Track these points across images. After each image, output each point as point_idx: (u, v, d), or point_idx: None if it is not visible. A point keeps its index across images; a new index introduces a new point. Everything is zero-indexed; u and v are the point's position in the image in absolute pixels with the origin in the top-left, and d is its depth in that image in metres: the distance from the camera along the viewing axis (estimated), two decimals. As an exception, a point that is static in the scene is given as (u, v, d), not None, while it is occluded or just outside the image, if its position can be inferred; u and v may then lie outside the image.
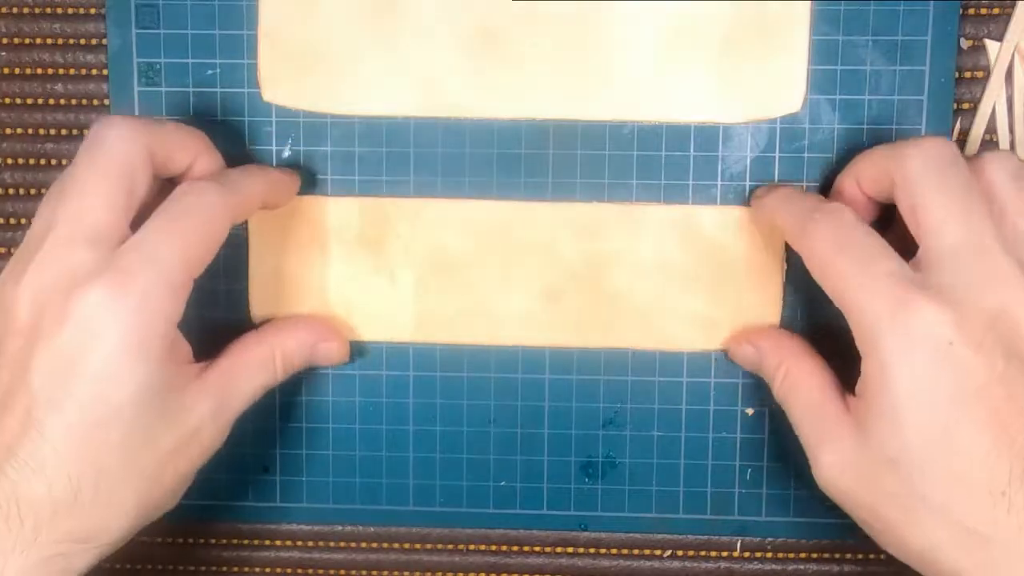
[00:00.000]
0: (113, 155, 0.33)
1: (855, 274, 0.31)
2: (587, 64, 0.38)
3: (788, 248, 0.38)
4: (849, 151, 0.37)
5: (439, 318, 0.39)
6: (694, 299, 0.39)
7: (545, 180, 0.39)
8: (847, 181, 0.36)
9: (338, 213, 0.39)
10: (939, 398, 0.30)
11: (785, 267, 0.38)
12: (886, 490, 0.31)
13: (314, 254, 0.39)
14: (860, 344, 0.31)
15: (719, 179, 0.38)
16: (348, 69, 0.38)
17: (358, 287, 0.39)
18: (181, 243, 0.32)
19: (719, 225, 0.38)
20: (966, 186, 0.31)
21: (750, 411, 0.39)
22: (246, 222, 0.39)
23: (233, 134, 0.39)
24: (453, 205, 0.39)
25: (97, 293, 0.31)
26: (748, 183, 0.38)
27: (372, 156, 0.39)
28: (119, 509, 0.32)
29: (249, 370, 0.36)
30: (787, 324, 0.39)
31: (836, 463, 0.32)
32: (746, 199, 0.38)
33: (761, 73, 0.38)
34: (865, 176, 0.35)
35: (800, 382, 0.35)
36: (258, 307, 0.39)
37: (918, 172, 0.32)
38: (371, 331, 0.39)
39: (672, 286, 0.39)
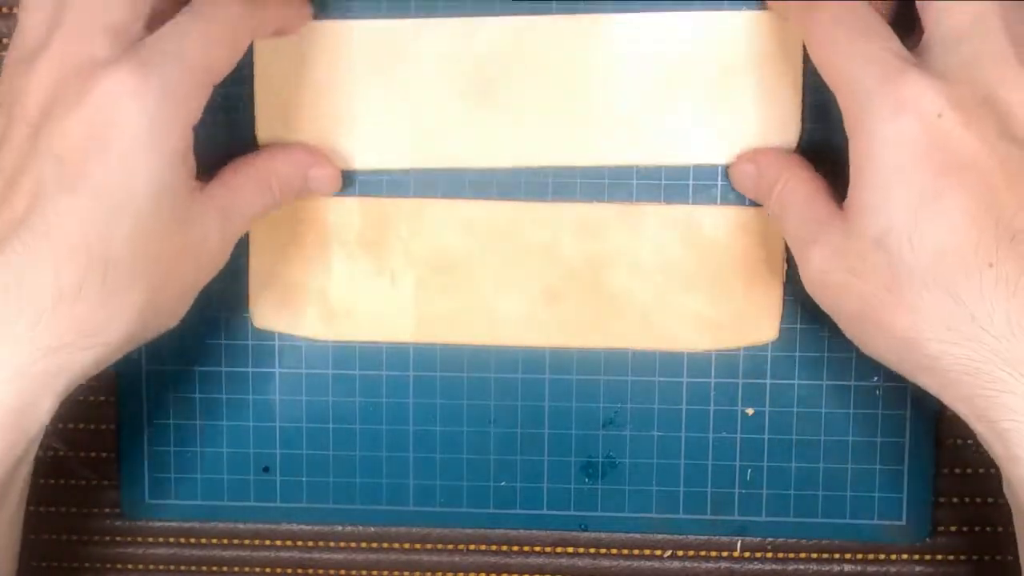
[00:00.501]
0: None
1: (850, 47, 0.31)
2: (584, 110, 0.38)
3: (788, 248, 0.38)
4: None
5: (439, 319, 0.39)
6: (694, 299, 0.39)
7: (545, 180, 0.39)
8: None
9: (338, 213, 0.39)
10: (926, 168, 0.29)
11: (786, 267, 0.38)
12: (875, 272, 0.30)
13: (314, 254, 0.39)
14: (849, 122, 0.31)
15: (718, 179, 0.38)
16: (344, 126, 0.38)
17: (358, 288, 0.39)
18: (204, 42, 0.31)
19: (719, 225, 0.38)
20: None
21: (750, 411, 0.39)
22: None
23: (233, 135, 0.39)
24: (453, 205, 0.39)
25: (119, 79, 0.30)
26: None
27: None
28: (124, 304, 0.31)
29: (248, 190, 0.35)
30: (788, 322, 0.39)
31: (825, 257, 0.32)
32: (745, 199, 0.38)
33: (758, 111, 0.37)
34: None
35: (796, 189, 0.34)
36: (257, 308, 0.39)
37: None
38: (372, 332, 0.39)
39: (672, 286, 0.39)
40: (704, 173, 0.38)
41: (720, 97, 0.38)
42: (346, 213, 0.39)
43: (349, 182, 0.39)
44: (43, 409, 0.30)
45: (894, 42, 0.31)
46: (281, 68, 0.38)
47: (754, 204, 0.38)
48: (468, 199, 0.39)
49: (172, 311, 0.34)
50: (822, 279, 0.32)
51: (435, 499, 0.40)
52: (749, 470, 0.39)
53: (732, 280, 0.38)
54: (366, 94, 0.38)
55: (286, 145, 0.38)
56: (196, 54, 0.31)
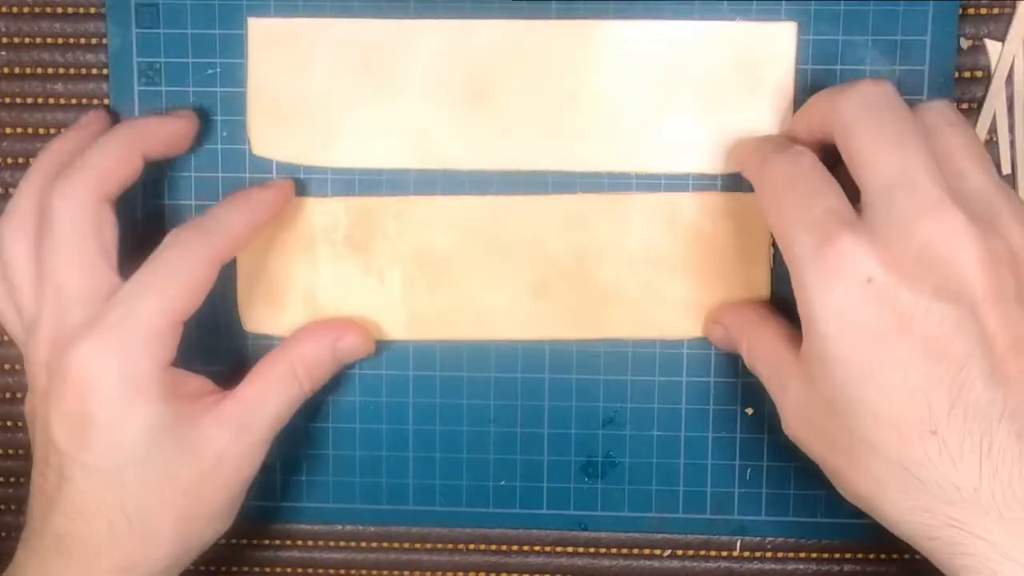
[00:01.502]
0: (72, 226, 0.34)
1: (794, 210, 0.31)
2: (580, 115, 0.38)
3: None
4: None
5: (429, 316, 0.39)
6: (682, 286, 0.39)
7: (545, 182, 0.39)
8: (799, 126, 0.35)
9: (324, 214, 0.39)
10: (862, 335, 0.29)
11: (772, 251, 0.38)
12: (830, 433, 0.31)
13: (301, 256, 0.39)
14: (793, 282, 0.31)
15: (717, 187, 0.38)
16: (338, 124, 0.38)
17: (347, 287, 0.39)
18: (161, 297, 0.34)
19: (704, 212, 0.38)
20: (900, 122, 0.31)
21: (750, 411, 0.39)
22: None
23: (234, 135, 0.39)
24: (437, 202, 0.39)
25: (86, 348, 0.33)
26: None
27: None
28: (157, 539, 0.34)
29: (269, 390, 0.36)
30: (776, 307, 0.38)
31: (791, 410, 0.33)
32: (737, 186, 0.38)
33: (753, 119, 0.38)
34: (813, 120, 0.34)
35: (761, 345, 0.35)
36: (246, 311, 0.39)
37: (853, 112, 0.31)
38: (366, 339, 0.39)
39: (660, 274, 0.39)
40: (703, 182, 0.38)
41: (716, 105, 0.38)
42: (332, 213, 0.39)
43: (348, 181, 0.39)
44: None
45: (836, 200, 0.30)
46: (275, 65, 0.38)
47: (737, 190, 0.38)
48: (451, 195, 0.39)
49: (210, 528, 0.36)
50: (791, 429, 0.33)
51: (435, 499, 0.40)
52: (749, 470, 0.39)
53: (719, 266, 0.38)
54: (362, 93, 0.38)
55: (309, 325, 0.38)
56: (154, 311, 0.34)
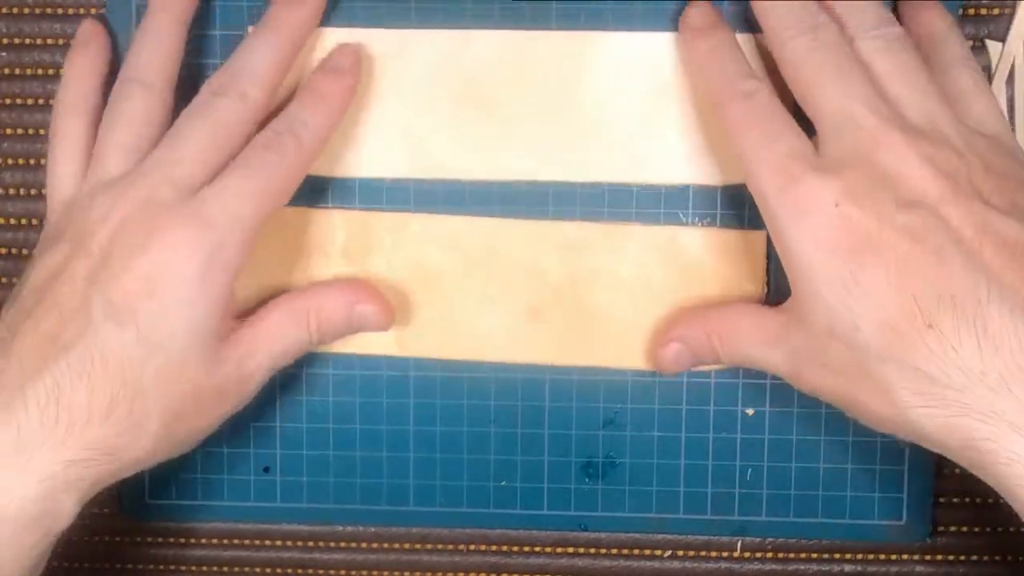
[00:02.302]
0: (225, 122, 0.35)
1: (759, 151, 0.33)
2: (579, 126, 0.38)
3: (768, 268, 0.38)
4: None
5: (420, 333, 0.39)
6: (676, 318, 0.38)
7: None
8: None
9: (321, 225, 0.39)
10: (839, 257, 0.31)
11: (765, 290, 0.38)
12: (838, 365, 0.32)
13: (297, 267, 0.39)
14: (767, 226, 0.33)
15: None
16: (338, 133, 0.38)
17: None
18: (258, 198, 0.34)
19: (701, 245, 0.38)
20: (838, 59, 0.33)
21: (750, 411, 0.39)
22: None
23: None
24: (436, 220, 0.39)
25: (177, 233, 0.33)
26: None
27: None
28: (144, 433, 0.33)
29: (280, 328, 0.36)
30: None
31: (797, 362, 0.33)
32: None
33: None
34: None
35: (733, 328, 0.35)
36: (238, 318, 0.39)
37: (797, 53, 0.33)
38: (352, 345, 0.39)
39: (654, 305, 0.38)
40: (703, 192, 0.38)
41: (713, 115, 0.37)
42: (329, 225, 0.39)
43: (349, 190, 0.39)
44: (65, 512, 0.33)
45: (797, 140, 0.33)
46: None
47: (737, 226, 0.38)
48: (450, 214, 0.39)
49: (186, 442, 0.35)
50: (805, 376, 0.34)
51: (435, 499, 0.40)
52: (749, 470, 0.39)
53: (714, 300, 0.38)
54: (361, 101, 0.38)
55: (330, 281, 0.38)
56: (251, 211, 0.34)
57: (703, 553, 0.40)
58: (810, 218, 0.31)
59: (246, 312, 0.36)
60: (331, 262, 0.39)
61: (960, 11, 0.38)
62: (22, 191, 0.40)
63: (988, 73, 0.38)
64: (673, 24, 0.38)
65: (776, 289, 0.38)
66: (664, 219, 0.38)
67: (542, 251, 0.38)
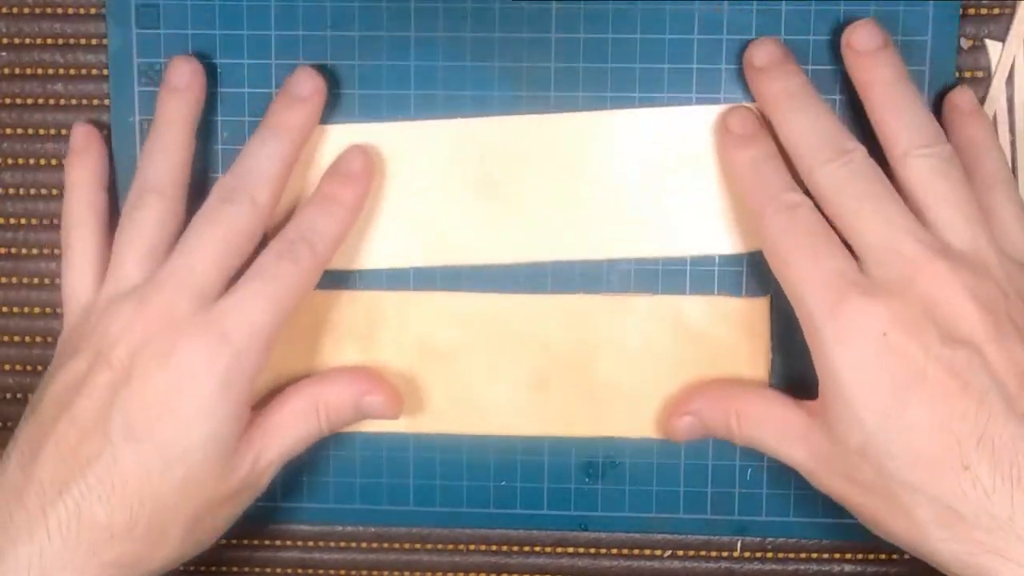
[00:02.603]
0: (236, 229, 0.35)
1: (803, 270, 0.33)
2: (586, 205, 0.38)
3: (773, 337, 0.38)
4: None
5: (430, 409, 0.39)
6: (682, 387, 0.38)
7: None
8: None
9: (329, 307, 0.39)
10: (884, 385, 0.31)
11: (771, 357, 0.38)
12: (865, 481, 0.32)
13: (306, 349, 0.39)
14: (808, 339, 0.33)
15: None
16: (354, 229, 0.38)
17: None
18: (275, 308, 0.35)
19: (706, 315, 0.38)
20: (874, 188, 0.33)
21: None
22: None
23: (234, 135, 0.39)
24: (442, 297, 0.39)
25: (199, 346, 0.34)
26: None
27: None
28: (166, 543, 0.34)
29: (290, 423, 0.36)
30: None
31: (818, 465, 0.34)
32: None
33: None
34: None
35: (756, 414, 0.35)
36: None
37: (831, 186, 0.34)
38: (364, 424, 0.39)
39: (660, 375, 0.38)
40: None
41: (721, 191, 0.38)
42: (336, 307, 0.39)
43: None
44: None
45: (841, 259, 0.33)
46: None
47: (741, 295, 0.38)
48: (455, 291, 0.39)
49: (208, 540, 0.36)
50: (825, 479, 0.34)
51: (435, 499, 0.40)
52: (749, 470, 0.39)
53: (719, 369, 0.38)
54: (372, 197, 0.38)
55: (342, 369, 0.38)
56: (267, 320, 0.34)
57: (703, 553, 0.40)
58: (857, 343, 0.32)
59: (256, 403, 0.37)
60: (340, 343, 0.39)
61: (961, 11, 0.38)
62: (22, 191, 0.40)
63: (988, 73, 0.38)
64: (671, 99, 0.38)
65: (780, 352, 0.38)
66: (662, 292, 0.39)
67: (547, 324, 0.39)
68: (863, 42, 0.35)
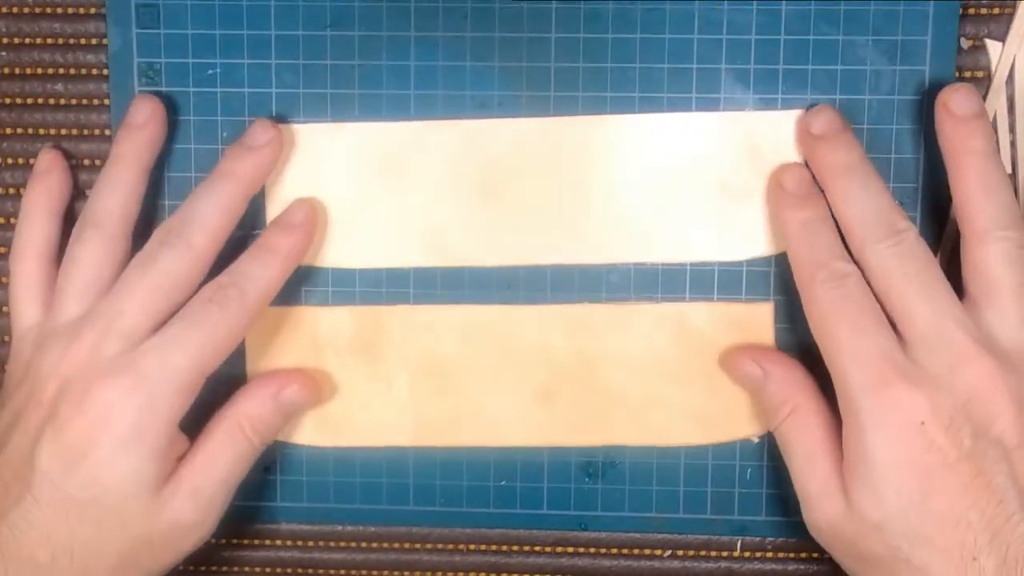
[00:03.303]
0: (170, 273, 0.35)
1: (847, 343, 0.33)
2: (587, 210, 0.38)
3: (777, 342, 0.38)
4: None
5: (436, 421, 0.39)
6: (686, 395, 0.39)
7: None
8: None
9: (330, 322, 0.39)
10: (914, 470, 0.32)
11: None
12: (873, 552, 0.33)
13: (309, 363, 0.39)
14: (842, 408, 0.34)
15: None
16: (349, 224, 0.38)
17: (354, 393, 0.39)
18: (196, 351, 0.35)
19: (709, 321, 0.38)
20: (927, 273, 0.34)
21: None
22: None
23: (234, 135, 0.39)
24: (445, 310, 0.39)
25: (111, 389, 0.34)
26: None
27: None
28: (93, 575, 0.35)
29: (218, 451, 0.36)
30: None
31: (827, 521, 0.34)
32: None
33: (760, 212, 0.38)
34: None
35: (806, 427, 0.35)
36: None
37: (884, 268, 0.34)
38: (368, 438, 0.39)
39: (664, 382, 0.39)
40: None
41: (722, 198, 0.38)
42: (338, 322, 0.39)
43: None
44: None
45: (885, 337, 0.33)
46: (289, 170, 0.38)
47: (742, 299, 0.38)
48: (458, 304, 0.39)
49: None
50: (824, 536, 0.35)
51: (435, 499, 0.40)
52: (749, 470, 0.39)
53: (723, 376, 0.38)
54: (372, 195, 0.38)
55: (252, 381, 0.38)
56: (187, 364, 0.35)
57: (703, 553, 0.40)
58: (894, 428, 0.32)
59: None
60: (342, 358, 0.39)
61: (961, 11, 0.38)
62: (22, 191, 0.40)
63: (988, 73, 0.38)
64: (674, 106, 0.38)
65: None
66: (662, 294, 0.39)
67: (551, 334, 0.39)
68: (961, 106, 0.35)
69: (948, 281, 0.34)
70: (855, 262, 0.34)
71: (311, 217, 0.37)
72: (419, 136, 0.38)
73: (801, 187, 0.36)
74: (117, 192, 0.37)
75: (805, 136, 0.36)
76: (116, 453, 0.34)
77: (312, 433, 0.40)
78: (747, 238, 0.38)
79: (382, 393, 0.39)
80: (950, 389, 0.32)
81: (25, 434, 0.34)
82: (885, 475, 0.32)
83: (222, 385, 0.37)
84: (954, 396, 0.32)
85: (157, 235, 0.36)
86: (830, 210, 0.35)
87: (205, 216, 0.36)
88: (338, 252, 0.38)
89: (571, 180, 0.38)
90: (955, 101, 0.35)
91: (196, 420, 0.36)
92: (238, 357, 0.39)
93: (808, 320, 0.35)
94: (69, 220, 0.39)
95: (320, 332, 0.39)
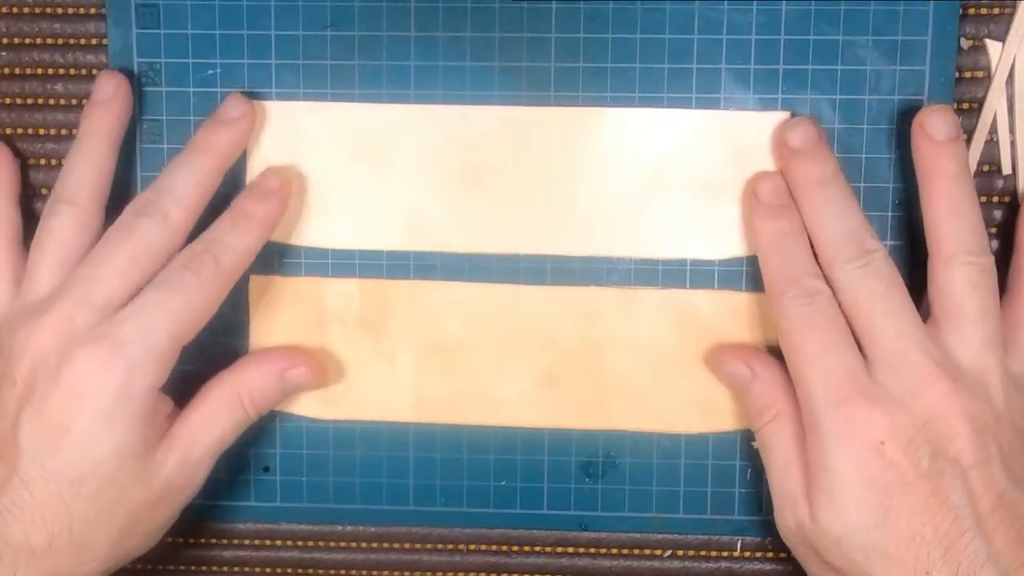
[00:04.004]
0: (145, 243, 0.35)
1: (813, 359, 0.34)
2: (575, 201, 0.38)
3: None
4: (849, 152, 0.38)
5: (438, 399, 0.39)
6: (690, 382, 0.39)
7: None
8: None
9: (338, 295, 0.39)
10: (873, 487, 0.33)
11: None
12: (832, 562, 0.34)
13: (314, 335, 0.39)
14: (805, 421, 0.34)
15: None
16: (336, 206, 0.38)
17: (357, 368, 0.39)
18: (172, 318, 0.34)
19: (714, 309, 0.38)
20: (895, 297, 0.34)
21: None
22: (247, 301, 0.39)
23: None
24: (451, 287, 0.39)
25: (88, 359, 0.33)
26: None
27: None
28: (91, 555, 0.34)
29: (213, 415, 0.36)
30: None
31: (793, 527, 0.35)
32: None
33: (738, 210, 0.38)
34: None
35: (788, 432, 0.36)
36: None
37: (854, 289, 0.34)
38: (371, 411, 0.39)
39: (668, 369, 0.39)
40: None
41: (710, 192, 0.38)
42: (345, 295, 0.39)
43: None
44: None
45: (851, 356, 0.34)
46: (275, 148, 0.38)
47: (747, 289, 0.38)
48: (466, 281, 0.39)
49: (143, 545, 0.36)
50: (790, 540, 0.36)
51: (435, 499, 0.40)
52: (749, 470, 0.39)
53: None
54: (360, 175, 0.38)
55: (259, 352, 0.38)
56: (164, 330, 0.34)
57: (703, 553, 0.40)
58: (855, 445, 0.33)
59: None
60: (348, 331, 0.39)
61: (961, 11, 0.38)
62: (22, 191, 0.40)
63: (988, 73, 0.38)
64: (667, 100, 0.38)
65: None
66: (662, 282, 0.39)
67: (557, 317, 0.39)
68: (937, 129, 0.35)
69: (913, 302, 0.34)
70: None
71: (286, 185, 0.37)
72: (404, 119, 0.38)
73: (776, 198, 0.36)
74: (88, 167, 0.37)
75: (782, 147, 0.37)
76: (99, 425, 0.33)
77: (313, 405, 0.39)
78: (730, 235, 0.38)
79: (385, 368, 0.39)
80: (910, 410, 0.33)
81: (4, 415, 0.34)
82: (845, 489, 0.33)
83: (227, 357, 0.37)
84: (913, 417, 0.33)
85: (132, 207, 0.36)
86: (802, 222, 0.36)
87: (181, 189, 0.36)
88: (315, 230, 0.38)
89: (560, 170, 0.38)
90: (931, 123, 0.35)
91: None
92: (242, 329, 0.39)
93: (777, 330, 0.35)
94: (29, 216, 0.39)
95: (327, 304, 0.39)
